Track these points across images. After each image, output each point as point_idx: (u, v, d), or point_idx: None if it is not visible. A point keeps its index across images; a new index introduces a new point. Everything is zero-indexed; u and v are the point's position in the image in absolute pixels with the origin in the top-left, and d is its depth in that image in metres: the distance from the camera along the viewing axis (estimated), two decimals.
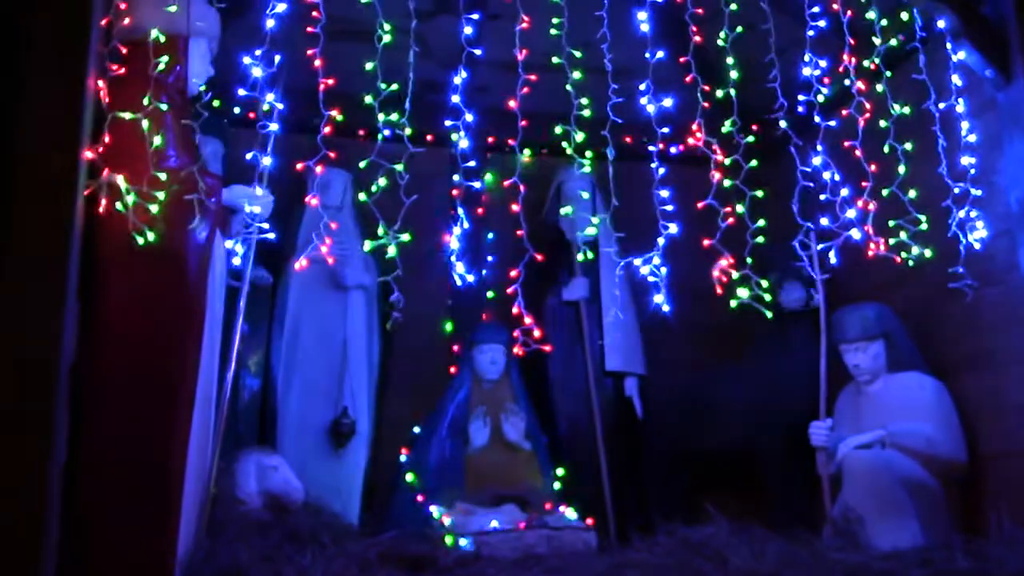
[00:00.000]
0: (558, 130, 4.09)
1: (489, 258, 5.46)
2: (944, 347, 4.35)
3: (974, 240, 4.06)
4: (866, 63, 4.33)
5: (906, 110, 4.21)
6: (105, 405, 3.08)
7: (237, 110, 5.06)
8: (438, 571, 3.58)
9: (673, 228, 3.85)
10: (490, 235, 5.43)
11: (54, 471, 2.80)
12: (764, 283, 3.78)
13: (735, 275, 3.76)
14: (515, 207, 3.85)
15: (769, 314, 3.78)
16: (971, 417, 4.15)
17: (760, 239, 3.82)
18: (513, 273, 3.91)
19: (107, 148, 3.15)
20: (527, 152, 5.65)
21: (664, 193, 3.93)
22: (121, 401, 3.09)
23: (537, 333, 4.04)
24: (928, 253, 4.11)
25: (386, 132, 3.89)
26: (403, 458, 4.83)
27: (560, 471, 4.83)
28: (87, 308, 3.10)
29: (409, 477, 4.64)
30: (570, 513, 4.34)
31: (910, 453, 4.01)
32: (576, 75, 3.99)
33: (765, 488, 4.90)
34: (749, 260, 3.78)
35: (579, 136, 3.96)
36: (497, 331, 4.88)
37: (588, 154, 4.29)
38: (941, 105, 4.13)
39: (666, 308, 3.89)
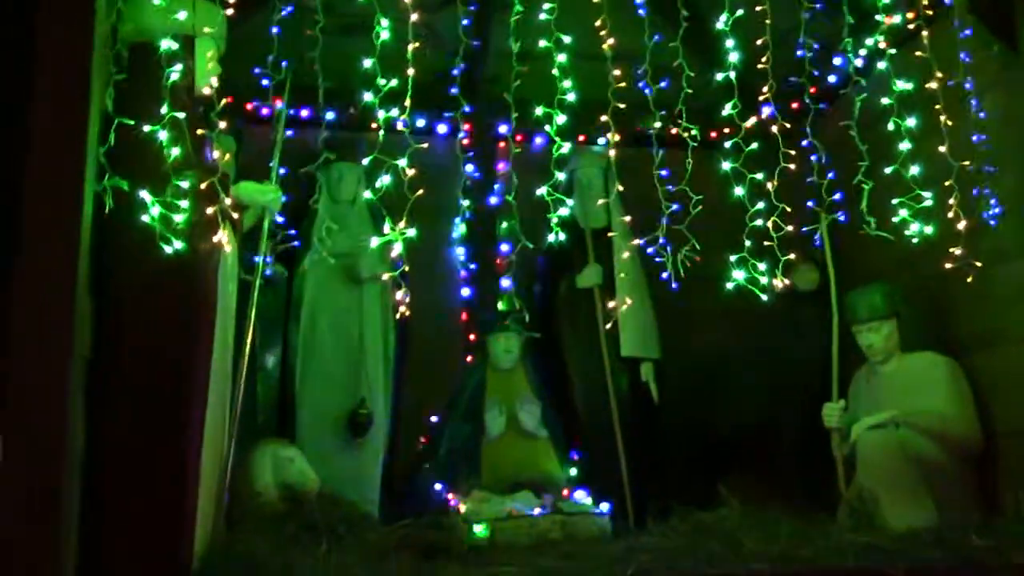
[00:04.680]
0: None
1: (504, 247, 5.49)
2: (957, 326, 4.33)
3: (990, 217, 4.01)
4: (869, 41, 4.29)
5: (909, 86, 4.15)
6: (119, 398, 3.13)
7: (249, 107, 5.17)
8: (453, 558, 3.63)
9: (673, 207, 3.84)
10: (504, 224, 5.45)
11: (70, 463, 2.85)
12: (761, 266, 3.76)
13: (733, 258, 3.75)
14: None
15: (764, 297, 3.77)
16: (985, 395, 4.13)
17: (760, 222, 3.80)
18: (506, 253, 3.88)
19: (124, 158, 3.19)
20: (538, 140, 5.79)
21: (662, 171, 3.91)
22: (134, 393, 3.14)
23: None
24: (929, 230, 4.07)
25: (400, 123, 3.86)
26: (421, 447, 4.88)
27: (576, 458, 4.86)
28: (101, 304, 3.16)
29: (426, 466, 4.68)
30: (585, 499, 4.37)
31: (924, 433, 3.99)
32: (561, 59, 3.93)
33: (781, 470, 4.89)
34: (748, 243, 3.78)
35: (560, 119, 3.89)
36: (512, 320, 4.90)
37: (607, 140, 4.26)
38: (948, 82, 4.07)
39: (673, 284, 3.88)
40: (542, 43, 3.93)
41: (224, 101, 3.96)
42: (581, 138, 5.54)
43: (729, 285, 3.76)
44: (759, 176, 3.87)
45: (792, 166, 3.94)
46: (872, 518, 3.88)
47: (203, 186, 3.32)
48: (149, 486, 3.11)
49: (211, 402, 3.39)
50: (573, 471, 4.74)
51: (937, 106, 4.12)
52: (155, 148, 3.27)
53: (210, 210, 3.34)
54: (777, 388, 4.94)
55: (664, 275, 3.81)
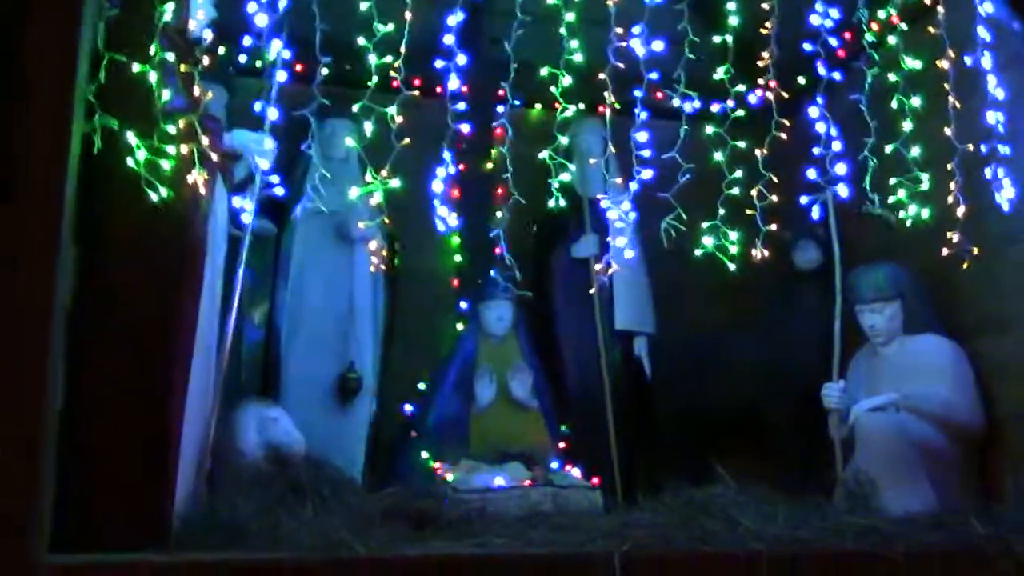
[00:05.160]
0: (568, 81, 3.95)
1: (499, 214, 5.36)
2: (962, 309, 4.25)
3: (1003, 200, 3.93)
4: (882, 13, 4.20)
5: (917, 64, 4.05)
6: (102, 351, 3.01)
7: (243, 58, 4.99)
8: (442, 527, 3.53)
9: (647, 174, 3.73)
10: (499, 190, 5.32)
11: (49, 417, 2.72)
12: (732, 235, 3.68)
13: (704, 225, 3.67)
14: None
15: (732, 266, 3.69)
16: (989, 380, 4.07)
17: (735, 191, 3.72)
18: (499, 214, 3.81)
19: (113, 99, 3.05)
20: (539, 107, 5.67)
21: (642, 137, 3.80)
22: (118, 347, 3.02)
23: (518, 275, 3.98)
24: (926, 214, 3.98)
25: (393, 77, 3.74)
26: (408, 414, 4.77)
27: (567, 430, 4.77)
28: (86, 252, 3.02)
29: (414, 433, 4.58)
30: (576, 473, 4.28)
31: (925, 416, 3.93)
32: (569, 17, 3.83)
33: (774, 450, 4.82)
34: (721, 211, 3.69)
35: (567, 79, 3.80)
36: (505, 287, 4.79)
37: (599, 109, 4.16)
38: (967, 60, 3.98)
39: (630, 254, 3.80)
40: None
41: (218, 48, 3.85)
42: (581, 105, 5.41)
43: (697, 252, 3.69)
44: (741, 144, 3.79)
45: (783, 135, 3.88)
46: (869, 501, 3.81)
47: (194, 131, 3.17)
48: (131, 443, 3.01)
49: (196, 358, 3.27)
50: (563, 444, 4.65)
51: (946, 84, 4.04)
52: (145, 89, 3.14)
53: (202, 158, 3.20)
54: (773, 367, 4.87)
55: (618, 241, 3.73)
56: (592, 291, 4.83)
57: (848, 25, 4.17)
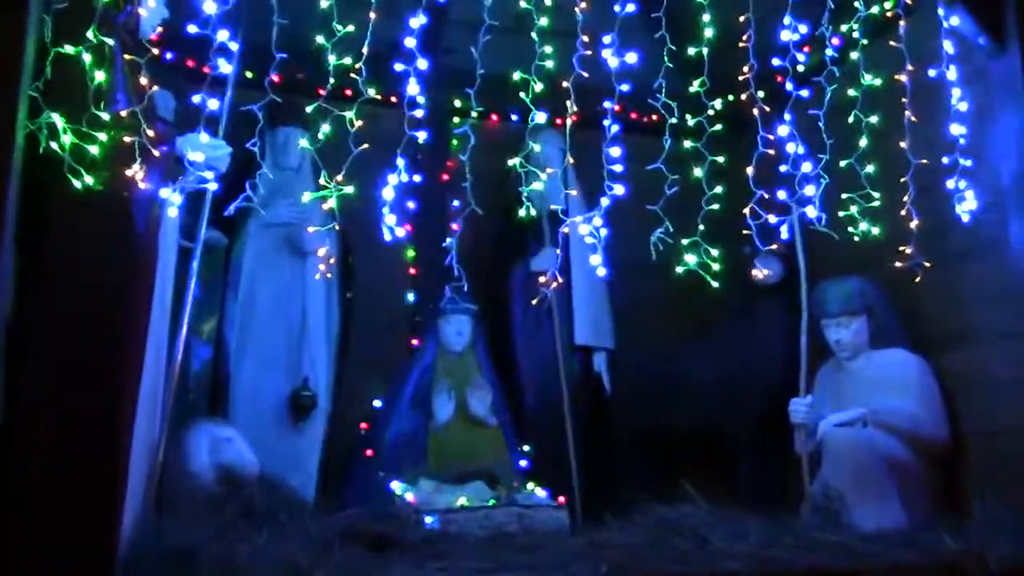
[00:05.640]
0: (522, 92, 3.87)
1: (454, 226, 5.25)
2: (928, 323, 4.23)
3: (963, 212, 3.92)
4: (844, 28, 4.18)
5: (878, 81, 4.04)
6: (44, 362, 2.81)
7: (191, 64, 4.82)
8: (403, 550, 3.38)
9: (619, 189, 3.66)
10: (455, 202, 5.21)
11: None
12: (713, 251, 3.63)
13: (684, 242, 3.61)
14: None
15: (715, 284, 3.63)
16: (955, 395, 4.05)
17: (716, 207, 3.67)
18: (454, 226, 3.72)
19: (48, 85, 2.88)
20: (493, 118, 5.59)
21: (615, 152, 3.73)
22: (62, 359, 2.82)
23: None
24: (876, 231, 3.96)
25: (348, 84, 3.62)
26: (363, 432, 4.63)
27: (527, 448, 4.66)
28: (29, 258, 2.83)
29: (369, 452, 4.43)
30: (539, 491, 4.17)
31: (893, 431, 3.90)
32: (543, 22, 3.78)
33: (737, 466, 4.77)
34: (701, 227, 3.63)
35: (538, 87, 3.72)
36: (463, 301, 4.68)
37: (557, 121, 4.09)
38: (932, 73, 3.98)
39: (602, 272, 3.72)
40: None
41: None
42: (542, 116, 5.34)
43: (679, 269, 3.62)
44: (720, 159, 3.75)
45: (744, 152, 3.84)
46: (838, 516, 3.77)
47: (139, 126, 3.00)
48: (76, 466, 2.79)
49: (145, 374, 3.09)
50: (524, 462, 4.53)
51: (903, 99, 4.03)
52: (87, 82, 2.96)
53: (143, 158, 3.03)
54: (735, 382, 4.81)
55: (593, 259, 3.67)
56: (534, 302, 4.72)
57: (810, 40, 4.14)
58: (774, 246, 4.23)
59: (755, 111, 3.93)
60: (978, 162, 3.99)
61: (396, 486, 4.10)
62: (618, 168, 3.69)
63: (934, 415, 3.98)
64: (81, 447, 2.83)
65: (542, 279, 4.56)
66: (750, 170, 3.77)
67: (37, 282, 2.86)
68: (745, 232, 3.70)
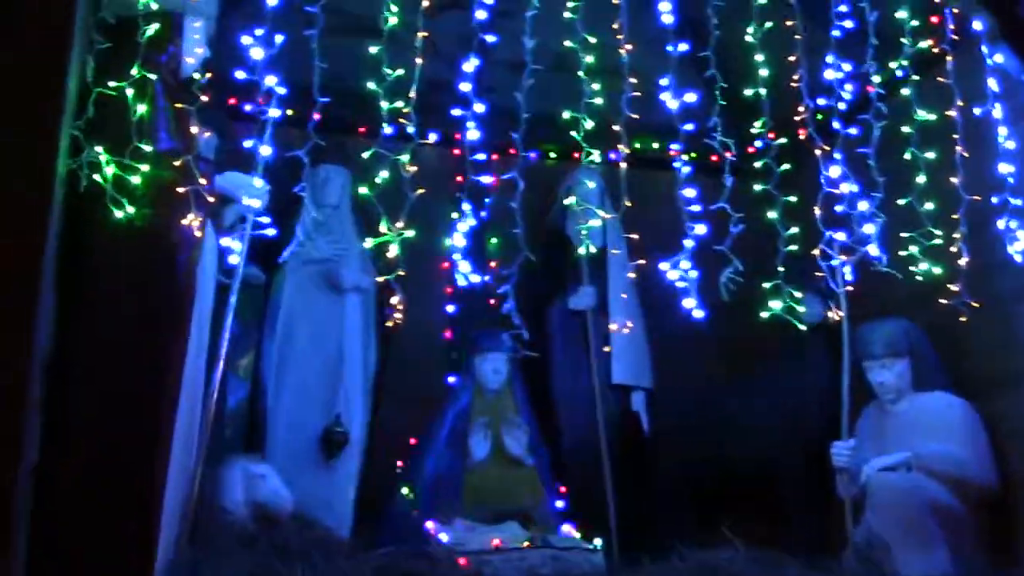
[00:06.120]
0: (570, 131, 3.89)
1: (492, 264, 5.24)
2: (973, 366, 4.13)
3: (1015, 253, 3.83)
4: (892, 65, 4.14)
5: (932, 116, 4.00)
6: (83, 401, 2.84)
7: (233, 101, 4.88)
8: None
9: (701, 229, 3.63)
10: (494, 240, 5.21)
11: (23, 471, 2.55)
12: (798, 294, 3.57)
13: (767, 286, 3.56)
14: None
15: (803, 327, 3.57)
16: (1002, 439, 3.94)
17: (793, 248, 3.64)
18: (505, 273, 3.71)
19: (90, 123, 2.92)
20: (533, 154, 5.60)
21: (690, 192, 3.72)
22: (99, 397, 2.85)
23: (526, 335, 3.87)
24: (938, 270, 3.89)
25: (388, 129, 3.66)
26: (399, 470, 4.60)
27: (563, 488, 4.60)
28: (69, 295, 2.87)
29: (404, 490, 4.40)
30: (574, 533, 4.11)
31: (939, 477, 3.79)
32: (589, 60, 3.80)
33: (778, 510, 4.66)
34: (781, 269, 3.59)
35: (588, 124, 3.73)
36: (501, 339, 4.65)
37: (598, 157, 4.08)
38: (977, 111, 3.92)
39: (699, 314, 3.68)
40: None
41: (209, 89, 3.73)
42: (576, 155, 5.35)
43: (764, 315, 3.58)
44: (792, 198, 3.71)
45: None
46: (882, 564, 3.66)
47: (190, 172, 3.04)
48: (111, 502, 2.82)
49: (181, 411, 3.11)
50: (560, 503, 4.47)
51: (955, 136, 3.98)
52: (129, 116, 3.02)
53: (192, 200, 3.07)
54: (775, 424, 4.72)
55: (687, 302, 3.62)
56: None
57: (856, 77, 4.11)
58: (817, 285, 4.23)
59: (817, 151, 3.91)
60: None
61: (430, 525, 4.06)
62: (696, 208, 3.68)
63: (981, 459, 3.87)
64: (118, 479, 2.87)
65: (612, 326, 4.55)
66: (817, 210, 3.74)
67: (79, 312, 2.90)
68: (818, 273, 3.69)
